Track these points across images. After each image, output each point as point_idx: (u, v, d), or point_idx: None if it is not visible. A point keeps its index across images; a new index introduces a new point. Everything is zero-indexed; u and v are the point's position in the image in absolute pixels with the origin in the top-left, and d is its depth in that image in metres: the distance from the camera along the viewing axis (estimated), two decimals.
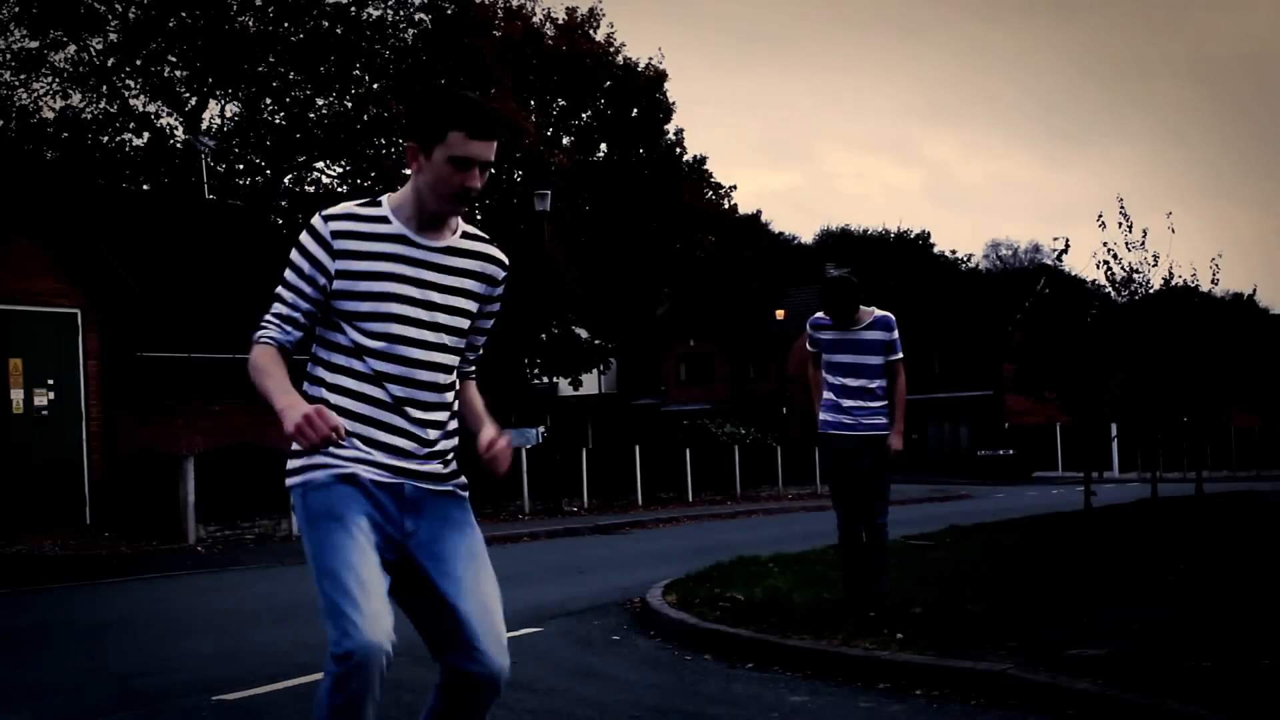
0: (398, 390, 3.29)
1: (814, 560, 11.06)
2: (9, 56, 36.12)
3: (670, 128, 45.94)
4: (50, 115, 37.23)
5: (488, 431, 3.43)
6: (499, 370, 39.59)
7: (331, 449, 3.19)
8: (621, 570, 12.47)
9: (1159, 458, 27.63)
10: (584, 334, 45.09)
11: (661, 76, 45.11)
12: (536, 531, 18.92)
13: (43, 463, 16.83)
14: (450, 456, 3.41)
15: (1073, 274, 20.24)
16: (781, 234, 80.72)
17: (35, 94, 37.02)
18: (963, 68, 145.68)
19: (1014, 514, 19.69)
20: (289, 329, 3.31)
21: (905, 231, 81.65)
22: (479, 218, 38.62)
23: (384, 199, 3.36)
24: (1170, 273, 18.92)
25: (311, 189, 40.83)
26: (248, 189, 38.49)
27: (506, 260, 3.48)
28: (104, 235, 18.99)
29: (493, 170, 3.36)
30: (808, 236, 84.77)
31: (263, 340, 3.30)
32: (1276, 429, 53.39)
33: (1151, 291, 18.52)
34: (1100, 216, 18.02)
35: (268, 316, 3.34)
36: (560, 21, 44.53)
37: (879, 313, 7.77)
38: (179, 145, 37.52)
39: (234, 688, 6.25)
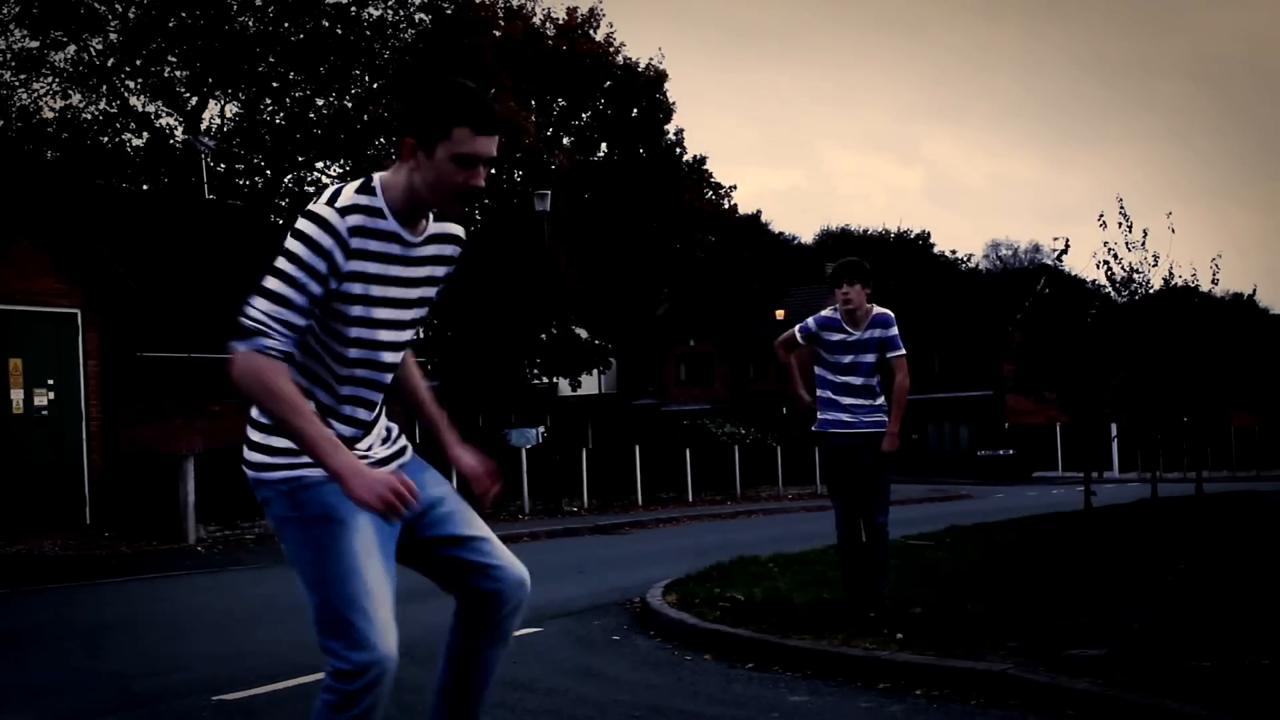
0: (367, 393, 3.20)
1: (814, 560, 11.05)
2: (9, 56, 36.08)
3: (670, 128, 46.06)
4: (50, 115, 37.22)
5: (466, 460, 3.39)
6: (499, 370, 39.59)
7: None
8: (621, 570, 12.47)
9: (1159, 458, 27.61)
10: (584, 334, 45.09)
11: (661, 76, 45.17)
12: (536, 531, 18.91)
13: (43, 463, 16.83)
14: (393, 433, 3.36)
15: (1073, 274, 20.25)
16: (781, 234, 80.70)
17: (35, 94, 37.00)
18: (963, 66, 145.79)
19: (1014, 514, 19.67)
20: (294, 336, 2.99)
21: (905, 231, 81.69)
22: (478, 218, 38.62)
23: (378, 187, 3.11)
24: (1170, 273, 18.93)
25: (311, 189, 40.80)
26: (248, 189, 38.48)
27: (463, 233, 3.33)
28: (104, 235, 18.99)
29: (492, 170, 3.32)
30: (808, 236, 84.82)
31: (270, 352, 2.97)
32: (1276, 429, 53.36)
33: (1152, 291, 18.52)
34: (1100, 216, 18.04)
35: (267, 320, 2.96)
36: (560, 21, 44.62)
37: (877, 310, 7.81)
38: (179, 145, 37.46)
39: (234, 688, 6.25)
